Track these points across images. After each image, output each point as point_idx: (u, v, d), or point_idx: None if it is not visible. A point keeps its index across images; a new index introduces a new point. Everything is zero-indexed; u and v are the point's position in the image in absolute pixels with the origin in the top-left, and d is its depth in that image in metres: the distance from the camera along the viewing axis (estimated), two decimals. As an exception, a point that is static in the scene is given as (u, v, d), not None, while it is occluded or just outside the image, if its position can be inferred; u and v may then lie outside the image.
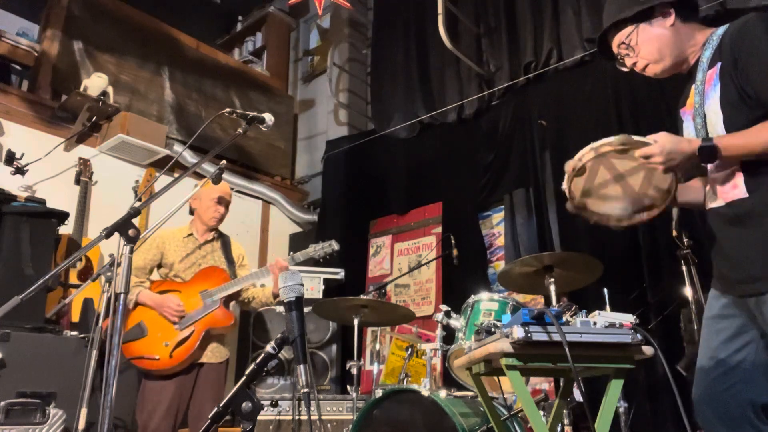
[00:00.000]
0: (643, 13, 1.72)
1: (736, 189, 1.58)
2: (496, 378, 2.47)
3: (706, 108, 1.62)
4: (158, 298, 2.91)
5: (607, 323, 1.59)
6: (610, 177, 1.63)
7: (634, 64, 1.78)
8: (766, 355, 1.60)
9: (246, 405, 1.40)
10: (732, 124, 1.55)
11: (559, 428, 2.30)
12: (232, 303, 3.13)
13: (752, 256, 1.56)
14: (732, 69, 1.56)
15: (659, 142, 1.52)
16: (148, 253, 3.00)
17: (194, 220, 3.17)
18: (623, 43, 1.76)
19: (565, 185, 1.67)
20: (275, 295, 3.07)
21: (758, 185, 1.54)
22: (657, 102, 3.47)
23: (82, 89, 4.20)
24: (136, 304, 2.91)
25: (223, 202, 3.11)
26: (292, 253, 3.06)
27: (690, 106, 1.70)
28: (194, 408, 2.88)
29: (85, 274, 3.90)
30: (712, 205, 1.69)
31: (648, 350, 1.62)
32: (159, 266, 3.05)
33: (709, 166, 1.65)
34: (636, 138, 1.53)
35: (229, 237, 3.25)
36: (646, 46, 1.73)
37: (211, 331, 2.92)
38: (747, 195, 1.56)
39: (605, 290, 2.78)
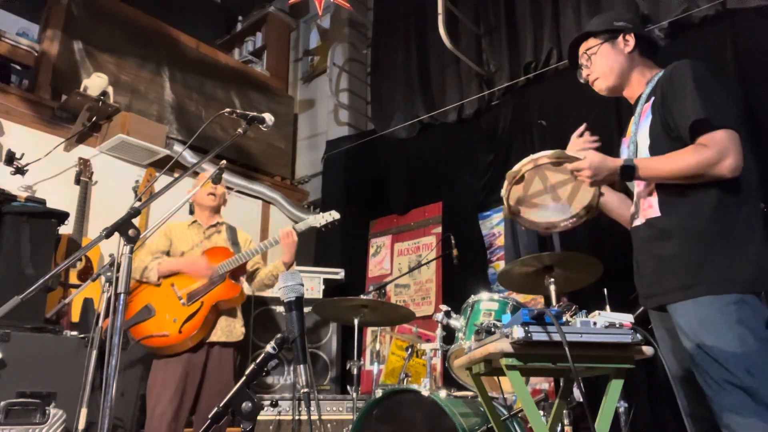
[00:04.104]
0: (610, 34, 1.95)
1: (651, 208, 1.79)
2: (496, 378, 2.47)
3: (638, 136, 1.85)
4: (185, 258, 2.95)
5: (607, 323, 1.59)
6: (542, 188, 1.83)
7: (588, 75, 2.01)
8: (678, 365, 1.78)
9: (246, 405, 1.41)
10: (655, 150, 1.77)
11: (559, 428, 2.30)
12: (242, 279, 3.14)
13: (661, 271, 1.75)
14: (661, 104, 1.77)
15: (588, 158, 1.70)
16: (159, 240, 3.03)
17: (196, 212, 3.20)
18: (585, 53, 1.99)
19: (504, 192, 1.86)
20: (287, 265, 3.08)
21: (670, 206, 1.73)
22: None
23: (82, 89, 4.20)
24: (160, 276, 2.91)
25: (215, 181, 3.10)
26: (293, 224, 3.09)
27: (628, 135, 1.92)
28: (203, 399, 2.84)
29: (85, 274, 3.90)
30: (634, 223, 1.88)
31: (648, 350, 1.62)
32: (167, 254, 3.05)
33: (636, 189, 1.88)
34: (569, 153, 1.73)
35: (235, 227, 3.26)
36: (601, 62, 1.95)
37: (220, 305, 2.93)
38: (660, 215, 1.75)
39: (605, 290, 2.77)
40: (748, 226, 1.66)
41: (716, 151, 1.62)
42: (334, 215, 3.11)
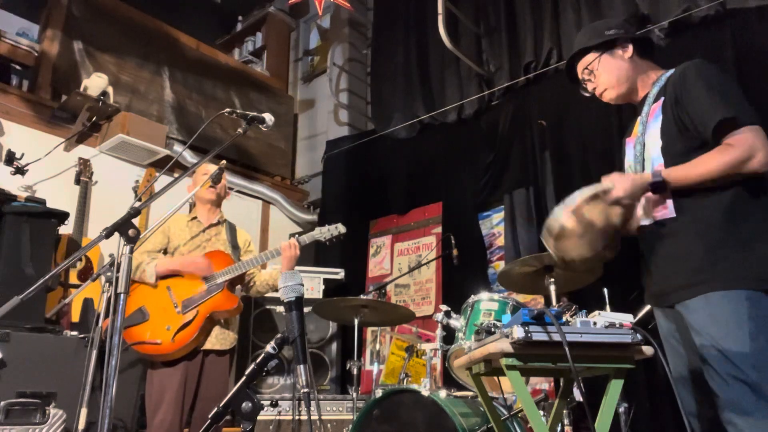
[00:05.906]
0: (606, 45, 1.95)
1: (665, 209, 1.77)
2: (496, 378, 2.47)
3: (646, 136, 1.84)
4: (182, 258, 2.85)
5: (607, 323, 1.59)
6: (580, 226, 1.79)
7: (594, 88, 2.00)
8: (682, 364, 1.78)
9: (246, 405, 1.41)
10: (668, 151, 1.76)
11: (559, 428, 2.30)
12: (238, 287, 3.07)
13: (673, 269, 1.74)
14: (673, 104, 1.77)
15: (619, 185, 1.69)
16: (155, 237, 2.95)
17: (196, 207, 3.13)
18: (586, 68, 1.99)
19: (552, 250, 1.80)
20: None
21: (685, 207, 1.72)
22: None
23: (82, 89, 4.20)
24: (157, 277, 2.82)
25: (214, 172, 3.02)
26: (296, 236, 2.97)
27: (634, 135, 1.91)
28: (199, 407, 2.81)
29: (85, 274, 3.90)
30: (643, 222, 1.86)
31: (648, 350, 1.62)
32: (164, 252, 2.99)
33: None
34: (600, 187, 1.71)
35: (235, 225, 3.20)
36: (606, 73, 1.96)
37: (215, 315, 2.85)
38: (675, 215, 1.75)
39: (605, 290, 2.77)
40: (759, 223, 1.65)
41: (746, 148, 1.61)
42: (340, 229, 2.98)
